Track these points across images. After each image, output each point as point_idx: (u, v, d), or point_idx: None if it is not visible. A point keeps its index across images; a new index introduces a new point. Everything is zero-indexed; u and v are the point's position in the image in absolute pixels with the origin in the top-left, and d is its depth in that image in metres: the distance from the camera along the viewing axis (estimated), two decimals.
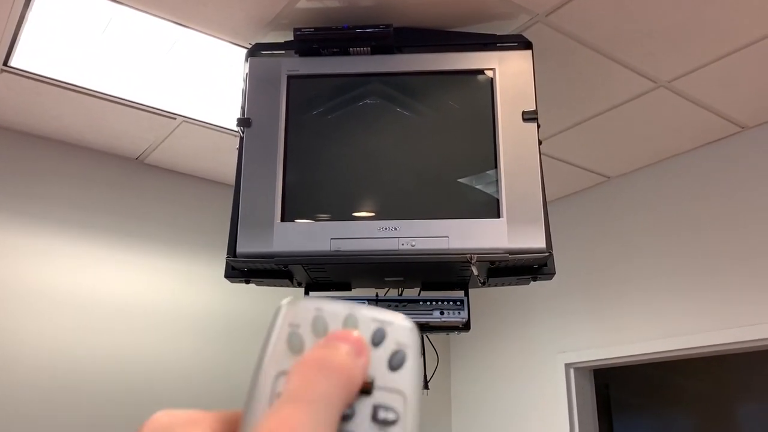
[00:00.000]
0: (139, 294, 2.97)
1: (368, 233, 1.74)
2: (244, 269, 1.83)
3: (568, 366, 3.34)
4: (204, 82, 2.47)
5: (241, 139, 1.88)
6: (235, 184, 1.84)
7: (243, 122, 1.87)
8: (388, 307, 1.88)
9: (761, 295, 2.65)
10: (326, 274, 1.88)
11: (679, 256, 2.97)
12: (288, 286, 1.94)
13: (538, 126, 1.88)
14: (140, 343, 2.92)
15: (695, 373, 4.95)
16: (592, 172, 3.25)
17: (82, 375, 2.74)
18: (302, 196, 1.81)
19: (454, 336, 3.95)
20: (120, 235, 3.00)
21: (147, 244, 3.06)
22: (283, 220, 1.77)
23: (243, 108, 1.90)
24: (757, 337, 2.64)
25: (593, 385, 3.39)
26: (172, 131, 2.83)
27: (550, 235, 1.76)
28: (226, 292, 3.22)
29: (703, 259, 2.88)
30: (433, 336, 3.81)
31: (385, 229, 1.74)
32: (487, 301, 3.85)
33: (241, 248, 1.75)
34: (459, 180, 1.81)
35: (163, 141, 2.92)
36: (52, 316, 2.74)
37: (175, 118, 2.72)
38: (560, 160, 3.12)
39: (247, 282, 1.86)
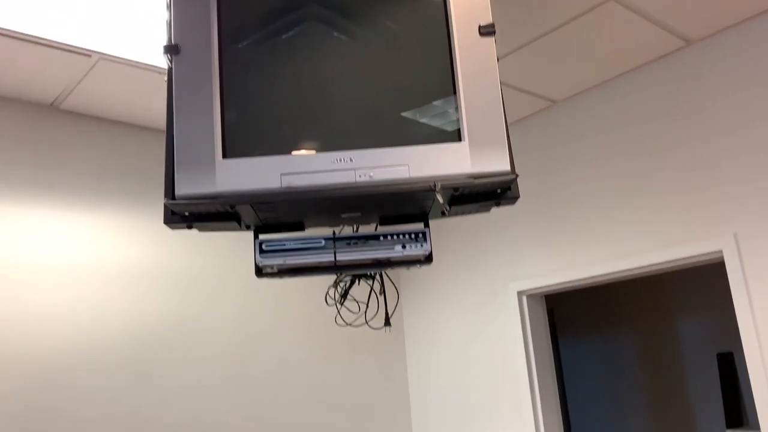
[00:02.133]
0: (65, 249, 2.74)
1: (321, 166, 1.60)
2: (185, 213, 1.66)
3: (520, 294, 3.34)
4: (121, 13, 2.21)
5: (170, 69, 1.67)
6: (167, 120, 1.65)
7: (171, 49, 1.66)
8: (347, 244, 1.76)
9: (700, 212, 2.67)
10: (277, 214, 1.74)
11: (625, 177, 2.96)
12: (235, 229, 1.78)
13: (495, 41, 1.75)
14: (66, 300, 2.71)
15: (636, 292, 5.12)
16: (538, 96, 3.17)
17: (8, 338, 2.53)
18: (244, 130, 1.64)
19: (404, 270, 3.90)
20: (40, 188, 2.73)
21: (70, 195, 2.81)
22: (225, 156, 1.61)
23: (169, 33, 1.69)
24: (694, 254, 2.68)
25: (545, 310, 3.41)
26: (89, 71, 2.56)
27: (512, 156, 1.67)
28: (158, 242, 3.02)
29: (646, 179, 2.88)
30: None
31: (340, 160, 1.61)
32: (437, 232, 3.79)
33: (180, 190, 1.58)
34: (415, 103, 1.68)
35: (78, 83, 2.64)
36: None
37: (90, 56, 2.45)
38: (505, 85, 3.03)
39: (190, 227, 1.69)
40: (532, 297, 3.35)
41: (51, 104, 2.82)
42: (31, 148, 2.76)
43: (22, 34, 2.28)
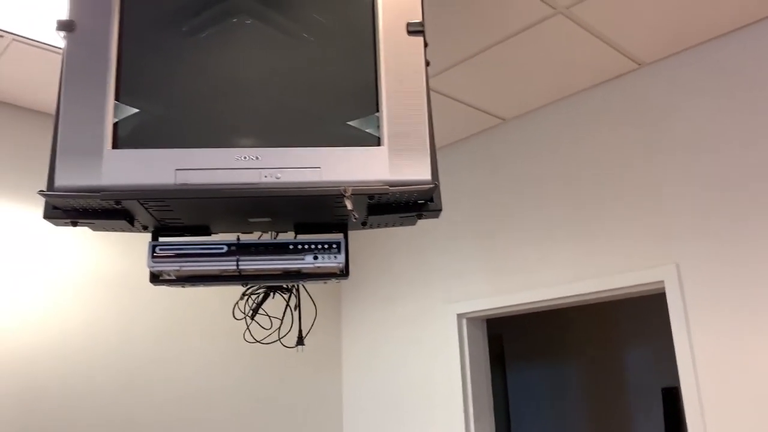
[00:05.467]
0: None
1: (223, 163, 1.44)
2: (68, 208, 1.49)
3: (460, 316, 3.21)
4: None
5: (65, 47, 1.51)
6: (57, 103, 1.48)
7: (65, 26, 1.50)
8: (251, 252, 1.61)
9: (643, 241, 2.59)
10: (176, 215, 1.57)
11: (570, 202, 2.87)
12: (129, 230, 1.61)
13: (426, 44, 1.63)
14: None
15: (584, 321, 5.04)
16: (487, 113, 3.07)
17: None
18: (140, 119, 1.47)
19: (345, 290, 3.73)
20: None
21: None
22: (115, 146, 1.44)
23: (68, 8, 1.53)
24: (636, 282, 2.59)
25: (485, 334, 3.28)
26: (1, 53, 2.36)
27: (436, 166, 1.54)
28: (78, 242, 2.81)
29: (592, 205, 2.79)
30: (318, 288, 3.57)
31: (244, 158, 1.45)
32: (378, 251, 3.65)
33: (60, 181, 1.40)
34: (335, 102, 1.54)
35: None
36: None
37: (2, 36, 2.26)
38: (453, 99, 2.91)
39: (75, 224, 1.52)
40: (472, 320, 3.22)
41: None
42: None
43: None
